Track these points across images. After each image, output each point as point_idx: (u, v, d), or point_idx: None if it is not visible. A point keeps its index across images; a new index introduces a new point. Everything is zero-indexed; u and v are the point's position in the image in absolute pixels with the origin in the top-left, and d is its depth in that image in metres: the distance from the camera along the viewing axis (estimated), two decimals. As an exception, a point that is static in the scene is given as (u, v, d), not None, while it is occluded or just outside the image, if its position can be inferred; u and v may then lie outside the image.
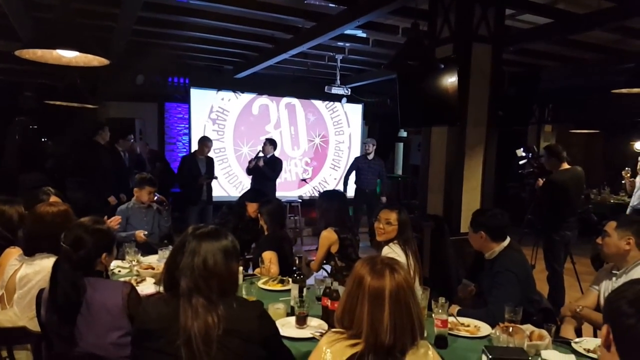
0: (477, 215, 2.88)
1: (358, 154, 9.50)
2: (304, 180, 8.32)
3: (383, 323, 1.46)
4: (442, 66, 3.54)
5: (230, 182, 8.93)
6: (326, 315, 2.41)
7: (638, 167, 6.55)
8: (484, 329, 2.38)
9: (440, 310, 2.22)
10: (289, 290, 2.90)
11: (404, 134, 12.46)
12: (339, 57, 7.18)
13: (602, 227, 4.96)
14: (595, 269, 6.25)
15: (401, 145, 12.84)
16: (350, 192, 7.77)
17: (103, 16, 5.68)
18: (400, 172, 12.63)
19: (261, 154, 7.08)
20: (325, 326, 2.34)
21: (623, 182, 7.04)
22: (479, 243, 2.83)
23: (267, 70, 8.19)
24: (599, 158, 10.94)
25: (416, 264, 2.99)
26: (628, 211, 6.35)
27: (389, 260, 1.58)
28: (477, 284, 3.37)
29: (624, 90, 4.66)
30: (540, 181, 5.19)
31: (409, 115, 4.83)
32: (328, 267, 3.60)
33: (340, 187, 9.42)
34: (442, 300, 2.25)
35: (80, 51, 2.60)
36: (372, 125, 11.08)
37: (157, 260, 3.45)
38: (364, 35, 6.44)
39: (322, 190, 8.36)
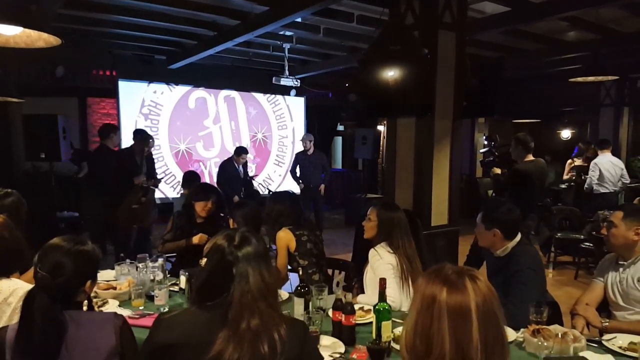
0: (491, 211, 2.65)
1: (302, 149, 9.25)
2: (251, 177, 7.88)
3: (472, 340, 1.19)
4: (427, 51, 3.34)
5: (167, 182, 8.28)
6: (339, 332, 2.11)
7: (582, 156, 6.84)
8: (509, 333, 2.19)
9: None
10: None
11: (341, 127, 12.35)
12: (287, 46, 6.81)
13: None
14: (543, 254, 6.47)
15: (339, 139, 12.73)
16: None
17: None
18: (340, 166, 12.51)
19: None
20: (342, 345, 2.04)
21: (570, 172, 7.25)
22: (490, 241, 2.63)
23: (203, 60, 7.64)
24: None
25: (409, 267, 2.74)
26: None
27: (459, 268, 1.32)
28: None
29: (579, 79, 4.76)
30: (497, 169, 5.18)
31: (373, 106, 4.57)
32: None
33: (285, 184, 9.17)
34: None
35: (25, 27, 2.04)
36: (311, 119, 10.83)
37: (114, 278, 2.96)
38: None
39: (269, 189, 8.01)
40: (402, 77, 3.82)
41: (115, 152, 6.05)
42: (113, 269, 3.08)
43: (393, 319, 2.06)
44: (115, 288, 2.69)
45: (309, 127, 10.05)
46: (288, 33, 6.42)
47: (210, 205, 3.71)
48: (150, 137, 6.40)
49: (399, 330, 2.14)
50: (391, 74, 4.05)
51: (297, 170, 7.73)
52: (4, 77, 4.42)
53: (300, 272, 2.60)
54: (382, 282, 2.07)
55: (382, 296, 2.04)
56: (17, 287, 2.00)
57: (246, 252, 1.49)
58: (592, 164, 6.32)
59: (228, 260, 1.48)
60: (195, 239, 3.53)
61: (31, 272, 2.31)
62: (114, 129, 6.14)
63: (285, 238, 3.18)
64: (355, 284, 3.08)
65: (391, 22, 3.23)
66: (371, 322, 2.22)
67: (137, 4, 5.31)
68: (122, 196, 5.59)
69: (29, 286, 1.94)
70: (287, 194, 3.50)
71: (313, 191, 7.53)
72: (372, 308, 2.39)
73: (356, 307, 2.41)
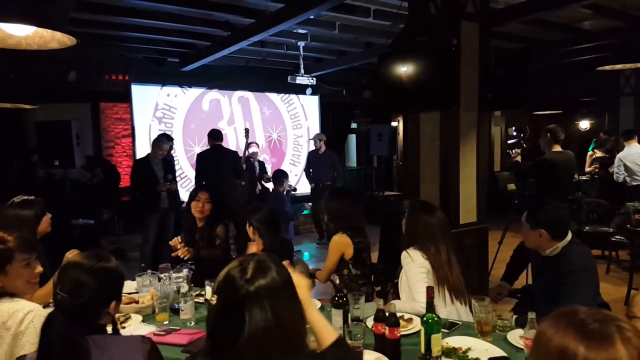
0: (536, 211, 2.50)
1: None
2: (266, 178, 7.78)
3: None
4: (455, 41, 3.17)
5: (182, 186, 8.17)
6: (382, 345, 1.96)
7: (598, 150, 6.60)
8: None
9: (528, 328, 1.84)
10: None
11: (354, 125, 12.17)
12: (302, 44, 6.66)
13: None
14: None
15: (353, 136, 12.56)
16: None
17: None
18: (354, 164, 12.34)
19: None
20: (386, 361, 1.89)
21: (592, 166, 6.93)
22: (537, 242, 2.48)
23: (216, 61, 7.52)
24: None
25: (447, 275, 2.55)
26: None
27: (600, 314, 0.99)
28: (508, 284, 3.06)
29: (607, 67, 4.58)
30: (518, 157, 4.93)
31: (395, 100, 4.41)
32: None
33: (300, 184, 9.05)
34: (531, 315, 1.86)
35: (38, 26, 1.92)
36: (325, 117, 10.67)
37: (135, 290, 2.84)
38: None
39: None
40: (427, 69, 3.67)
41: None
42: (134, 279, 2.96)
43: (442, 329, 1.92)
44: (137, 301, 2.56)
45: (323, 126, 9.93)
46: (302, 31, 6.28)
47: (201, 205, 3.54)
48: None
49: (446, 341, 1.99)
50: (416, 66, 3.91)
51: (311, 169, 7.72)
52: (17, 82, 4.32)
53: (338, 281, 2.45)
54: (430, 291, 1.92)
55: (430, 306, 1.89)
56: (17, 309, 1.78)
57: (259, 285, 1.20)
58: (616, 159, 6.10)
59: (239, 297, 1.19)
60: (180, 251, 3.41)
61: (48, 286, 2.18)
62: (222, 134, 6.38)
63: (343, 243, 2.94)
64: (390, 289, 2.93)
65: (417, 13, 3.06)
66: (414, 333, 2.08)
67: (149, 5, 5.21)
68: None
69: (33, 306, 1.81)
70: (347, 192, 3.32)
71: (323, 190, 7.40)
72: (412, 317, 2.26)
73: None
